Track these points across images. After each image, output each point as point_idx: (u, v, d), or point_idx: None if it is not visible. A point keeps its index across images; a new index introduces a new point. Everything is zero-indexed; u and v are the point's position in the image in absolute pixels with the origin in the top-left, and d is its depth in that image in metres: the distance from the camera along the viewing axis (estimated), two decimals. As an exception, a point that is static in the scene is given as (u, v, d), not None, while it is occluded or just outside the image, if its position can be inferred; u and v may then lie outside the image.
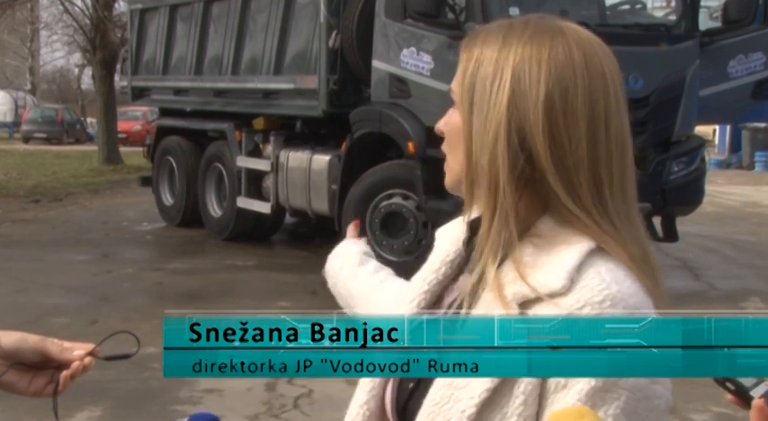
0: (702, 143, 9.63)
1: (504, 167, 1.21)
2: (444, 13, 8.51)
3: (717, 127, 27.42)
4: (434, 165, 8.64)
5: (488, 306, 1.22)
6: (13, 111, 45.03)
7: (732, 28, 8.94)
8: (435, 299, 1.35)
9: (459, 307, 1.28)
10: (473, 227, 1.29)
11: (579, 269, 1.19)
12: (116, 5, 22.99)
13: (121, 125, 29.07)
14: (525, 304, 1.19)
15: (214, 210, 11.97)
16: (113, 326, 6.95)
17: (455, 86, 1.29)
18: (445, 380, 1.22)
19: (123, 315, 7.67)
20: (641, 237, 1.28)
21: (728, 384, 1.10)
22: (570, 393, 1.15)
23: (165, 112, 13.69)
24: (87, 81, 43.90)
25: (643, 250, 1.26)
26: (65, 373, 1.34)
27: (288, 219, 11.82)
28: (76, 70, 49.27)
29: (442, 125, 1.32)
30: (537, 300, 1.18)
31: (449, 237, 1.38)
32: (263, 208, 10.83)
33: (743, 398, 1.09)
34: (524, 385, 1.17)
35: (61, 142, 36.63)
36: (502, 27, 1.30)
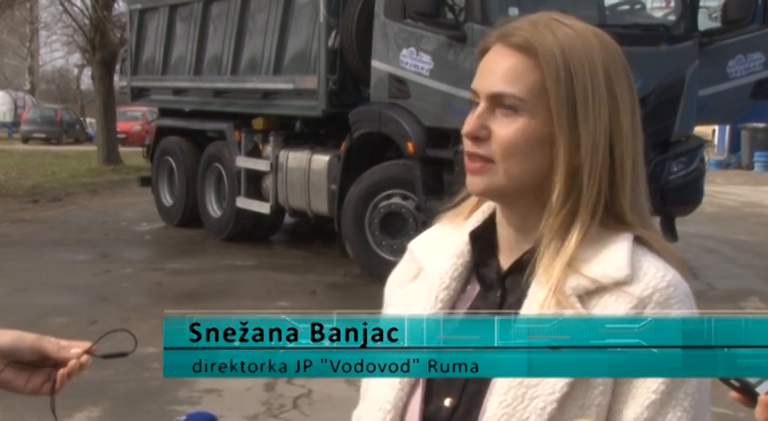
0: (702, 143, 9.63)
1: (605, 175, 1.26)
2: (444, 14, 8.52)
3: (716, 127, 27.42)
4: (434, 166, 8.67)
5: (540, 302, 1.24)
6: (12, 111, 45.02)
7: (731, 28, 8.94)
8: (449, 314, 1.35)
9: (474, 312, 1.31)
10: (478, 236, 1.35)
11: (633, 259, 1.25)
12: (115, 5, 23.01)
13: (121, 125, 29.07)
14: (585, 297, 1.23)
15: (213, 210, 11.96)
16: (113, 326, 6.89)
17: (526, 94, 1.25)
18: (512, 382, 1.22)
19: (122, 315, 7.66)
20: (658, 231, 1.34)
21: (733, 381, 1.10)
22: (651, 378, 1.20)
23: (164, 113, 13.69)
24: (87, 81, 43.94)
25: (668, 244, 1.33)
26: (62, 372, 1.34)
27: (287, 219, 11.82)
28: (76, 70, 49.26)
29: (511, 133, 1.26)
30: (599, 290, 1.23)
31: (446, 251, 1.38)
32: (263, 208, 10.83)
33: (748, 394, 1.09)
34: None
35: (60, 142, 36.62)
36: (552, 24, 1.30)
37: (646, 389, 1.21)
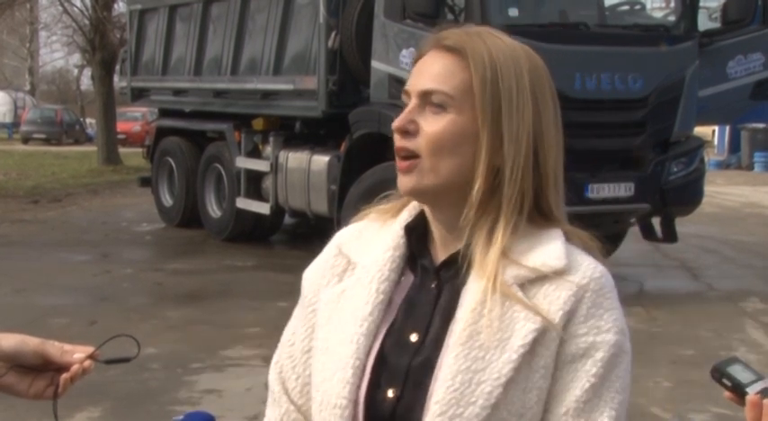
0: (701, 143, 9.63)
1: (528, 174, 1.31)
2: (443, 14, 8.51)
3: (716, 127, 27.45)
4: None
5: (482, 291, 1.29)
6: (12, 111, 45.03)
7: (731, 28, 8.94)
8: (386, 305, 1.38)
9: (410, 302, 1.36)
10: (412, 230, 1.40)
11: (566, 251, 1.32)
12: (115, 6, 23.01)
13: (121, 126, 29.07)
14: (525, 285, 1.29)
15: (213, 210, 11.97)
16: (113, 327, 6.95)
17: (454, 91, 1.31)
18: (460, 367, 1.26)
19: (123, 315, 7.67)
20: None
21: (725, 380, 1.11)
22: (590, 362, 1.27)
23: (164, 113, 13.69)
24: (87, 82, 43.91)
25: (590, 237, 1.39)
26: (65, 376, 1.34)
27: (287, 219, 11.82)
28: (76, 71, 49.20)
29: (437, 129, 1.32)
30: (539, 279, 1.29)
31: (380, 244, 1.42)
32: (263, 208, 10.83)
33: (739, 394, 1.09)
34: (544, 359, 1.26)
35: (60, 143, 36.62)
36: (483, 34, 1.36)
37: (585, 373, 1.27)
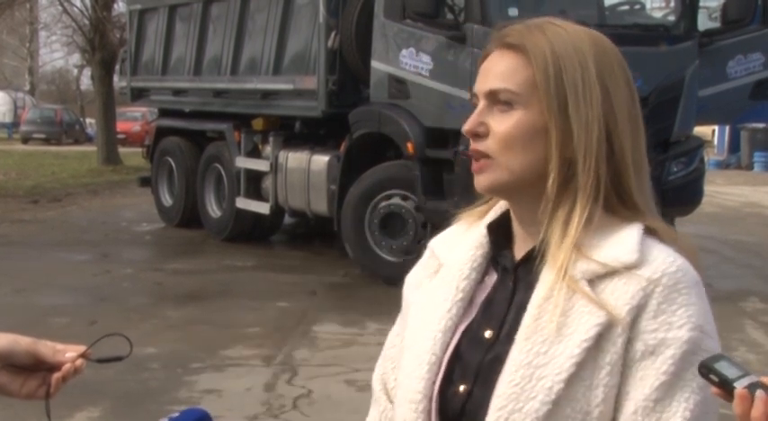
0: (701, 143, 9.63)
1: (602, 162, 1.30)
2: (443, 14, 8.52)
3: (716, 127, 27.43)
4: (433, 166, 8.67)
5: (550, 286, 1.29)
6: (12, 111, 45.03)
7: (731, 28, 8.94)
8: (468, 304, 1.40)
9: (490, 301, 1.38)
10: (495, 229, 1.41)
11: (642, 245, 1.29)
12: (115, 6, 23.02)
13: (120, 125, 29.07)
14: (594, 281, 1.27)
15: (213, 210, 11.97)
16: (113, 327, 6.93)
17: (519, 88, 1.32)
18: (522, 361, 1.26)
19: (123, 315, 7.67)
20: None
21: (712, 376, 1.12)
22: (660, 359, 1.24)
23: (164, 113, 13.69)
24: (86, 81, 43.89)
25: (677, 234, 1.38)
26: (56, 375, 1.34)
27: (287, 219, 11.82)
28: (75, 71, 49.18)
29: (507, 127, 1.32)
30: (608, 274, 1.27)
31: (465, 245, 1.43)
32: (262, 208, 10.83)
33: (726, 389, 1.11)
34: (610, 355, 1.24)
35: (60, 143, 36.64)
36: (544, 26, 1.36)
37: (655, 370, 1.24)
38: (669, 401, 1.23)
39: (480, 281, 1.41)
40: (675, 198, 8.93)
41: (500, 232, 1.41)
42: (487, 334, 1.35)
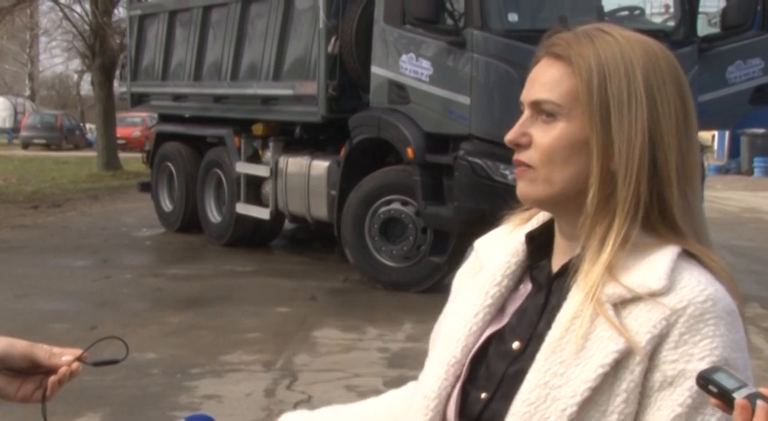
0: (701, 149, 9.61)
1: (644, 178, 1.27)
2: (443, 19, 8.52)
3: (716, 132, 27.47)
4: (433, 171, 8.67)
5: (577, 306, 1.27)
6: (12, 116, 45.11)
7: (731, 34, 8.94)
8: (497, 311, 1.39)
9: (522, 311, 1.37)
10: (534, 238, 1.40)
11: (674, 271, 1.25)
12: (115, 11, 23.05)
13: (120, 131, 29.10)
14: (619, 305, 1.25)
15: (213, 215, 11.97)
16: (113, 332, 6.94)
17: (562, 99, 1.29)
18: (539, 381, 1.25)
19: (122, 320, 7.66)
20: (713, 246, 1.35)
21: (711, 387, 1.12)
22: (678, 391, 1.21)
23: (164, 118, 13.70)
24: (86, 87, 43.98)
25: (720, 260, 1.32)
26: (52, 379, 1.34)
27: (287, 224, 11.82)
28: (76, 76, 49.30)
29: (549, 139, 1.30)
30: (634, 299, 1.24)
31: (503, 250, 1.42)
32: (263, 214, 10.83)
33: (725, 400, 1.11)
34: (626, 383, 1.22)
35: (60, 148, 36.69)
36: (593, 33, 1.33)
37: (672, 402, 1.21)
38: None
39: (514, 289, 1.40)
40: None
41: (540, 242, 1.40)
42: (515, 345, 1.34)
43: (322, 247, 11.18)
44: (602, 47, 1.30)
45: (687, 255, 1.28)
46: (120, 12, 22.34)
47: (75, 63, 43.33)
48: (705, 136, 20.54)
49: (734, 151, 27.38)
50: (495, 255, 1.43)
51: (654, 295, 1.23)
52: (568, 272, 1.32)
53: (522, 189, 1.33)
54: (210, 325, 7.62)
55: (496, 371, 1.33)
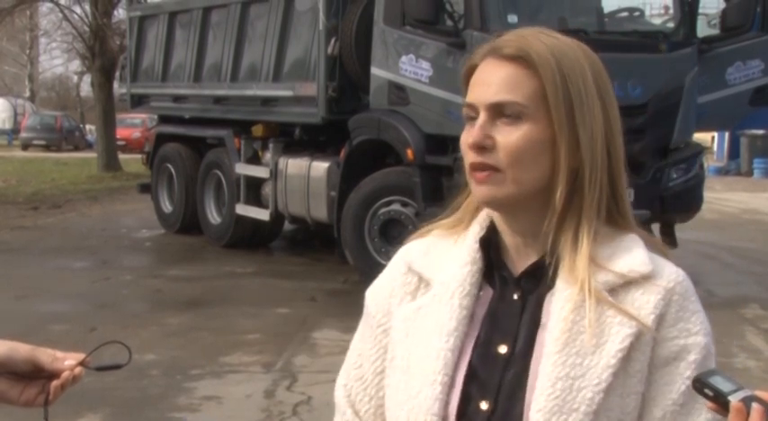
0: (701, 150, 9.63)
1: (605, 175, 1.33)
2: (443, 21, 8.52)
3: (715, 134, 27.45)
4: (433, 172, 8.67)
5: (575, 298, 1.29)
6: (12, 118, 45.09)
7: (730, 35, 8.95)
8: (471, 318, 1.37)
9: (494, 315, 1.36)
10: (487, 242, 1.39)
11: (649, 256, 1.33)
12: (115, 13, 23.02)
13: (120, 132, 29.07)
14: (612, 292, 1.30)
15: (213, 216, 11.97)
16: (112, 333, 6.95)
17: (527, 100, 1.30)
18: (559, 373, 1.27)
19: (122, 322, 7.66)
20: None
21: (707, 391, 1.13)
22: (683, 364, 1.28)
23: (163, 120, 13.70)
24: (86, 88, 43.94)
25: (657, 240, 1.42)
26: (55, 383, 1.34)
27: (287, 225, 11.82)
28: (75, 77, 49.25)
29: (515, 141, 1.29)
30: (624, 285, 1.30)
31: (453, 261, 1.40)
32: (262, 215, 10.83)
33: (721, 403, 1.12)
34: (639, 364, 1.27)
35: (60, 149, 36.68)
36: (540, 36, 1.34)
37: (679, 376, 1.28)
38: (693, 404, 1.27)
39: (477, 296, 1.38)
40: (675, 204, 8.94)
41: (491, 246, 1.39)
42: (502, 349, 1.33)
43: (322, 248, 11.18)
44: (555, 48, 1.31)
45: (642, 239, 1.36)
46: (120, 13, 22.32)
47: (75, 64, 43.34)
48: (705, 137, 20.53)
49: (733, 152, 27.38)
50: (445, 266, 1.40)
51: (645, 278, 1.30)
52: (540, 270, 1.33)
53: (488, 192, 1.31)
54: (210, 326, 7.62)
55: (491, 378, 1.32)
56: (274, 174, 10.52)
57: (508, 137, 1.30)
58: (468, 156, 1.33)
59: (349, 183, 9.26)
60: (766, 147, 25.76)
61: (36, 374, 1.35)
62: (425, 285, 1.42)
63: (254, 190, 11.03)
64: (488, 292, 1.38)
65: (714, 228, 13.66)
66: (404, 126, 8.72)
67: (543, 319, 1.31)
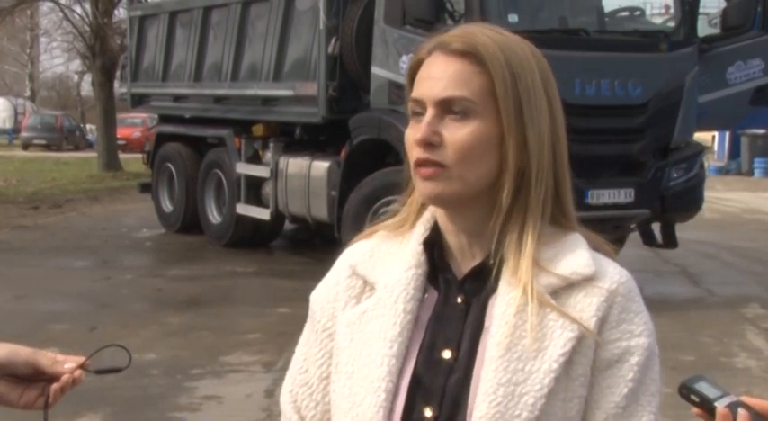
0: (701, 149, 9.63)
1: (551, 175, 1.31)
2: (443, 20, 8.52)
3: (716, 133, 27.45)
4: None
5: (518, 301, 1.27)
6: (12, 117, 45.08)
7: (731, 34, 8.95)
8: (416, 322, 1.34)
9: (438, 319, 1.32)
10: (431, 244, 1.35)
11: (592, 258, 1.31)
12: (116, 12, 23.06)
13: (121, 132, 29.08)
14: (554, 294, 1.28)
15: (213, 216, 11.97)
16: (113, 333, 6.95)
17: (475, 96, 1.27)
18: (500, 379, 1.24)
19: (123, 321, 7.66)
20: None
21: (693, 397, 1.13)
22: (625, 367, 1.26)
23: (164, 119, 13.71)
24: (87, 88, 43.94)
25: (605, 241, 1.39)
26: (55, 386, 1.34)
27: (287, 225, 11.82)
28: (76, 77, 49.25)
29: (463, 137, 1.27)
30: (566, 288, 1.28)
31: (397, 263, 1.36)
32: (263, 214, 10.83)
33: (707, 409, 1.12)
34: (582, 367, 1.26)
35: (60, 149, 36.68)
36: (487, 32, 1.33)
37: (621, 378, 1.26)
38: (635, 406, 1.26)
39: (421, 300, 1.34)
40: (675, 204, 8.94)
41: (435, 248, 1.35)
42: (446, 354, 1.30)
43: (322, 247, 11.18)
44: (502, 44, 1.30)
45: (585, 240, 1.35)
46: (121, 12, 22.36)
47: (76, 64, 43.34)
48: (705, 137, 20.53)
49: (734, 152, 27.38)
50: (389, 269, 1.36)
51: (588, 280, 1.28)
52: (484, 272, 1.31)
53: (434, 189, 1.29)
54: (211, 325, 7.62)
55: (435, 385, 1.29)
56: (275, 173, 10.52)
57: (456, 133, 1.27)
58: (414, 152, 1.31)
59: (349, 182, 9.26)
60: (767, 147, 25.76)
61: (36, 377, 1.35)
62: (370, 289, 1.38)
63: (254, 189, 11.03)
64: (433, 295, 1.34)
65: (714, 228, 13.66)
66: (404, 125, 8.65)
67: (486, 323, 1.28)
